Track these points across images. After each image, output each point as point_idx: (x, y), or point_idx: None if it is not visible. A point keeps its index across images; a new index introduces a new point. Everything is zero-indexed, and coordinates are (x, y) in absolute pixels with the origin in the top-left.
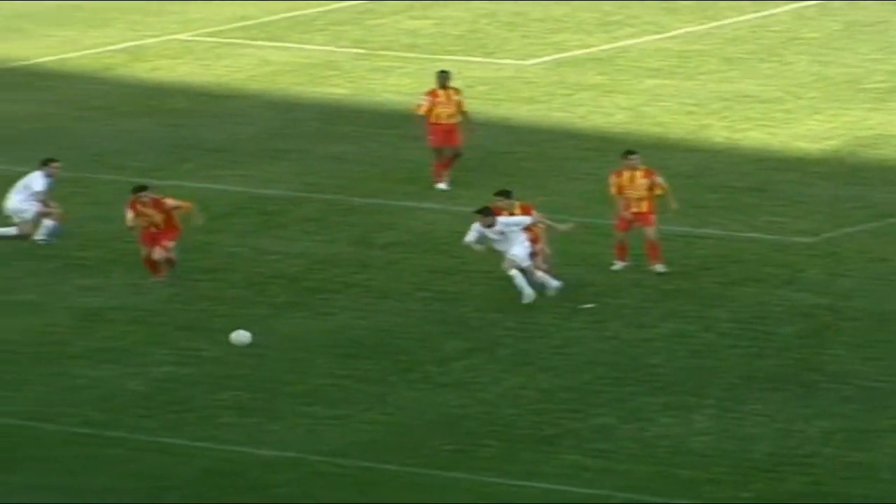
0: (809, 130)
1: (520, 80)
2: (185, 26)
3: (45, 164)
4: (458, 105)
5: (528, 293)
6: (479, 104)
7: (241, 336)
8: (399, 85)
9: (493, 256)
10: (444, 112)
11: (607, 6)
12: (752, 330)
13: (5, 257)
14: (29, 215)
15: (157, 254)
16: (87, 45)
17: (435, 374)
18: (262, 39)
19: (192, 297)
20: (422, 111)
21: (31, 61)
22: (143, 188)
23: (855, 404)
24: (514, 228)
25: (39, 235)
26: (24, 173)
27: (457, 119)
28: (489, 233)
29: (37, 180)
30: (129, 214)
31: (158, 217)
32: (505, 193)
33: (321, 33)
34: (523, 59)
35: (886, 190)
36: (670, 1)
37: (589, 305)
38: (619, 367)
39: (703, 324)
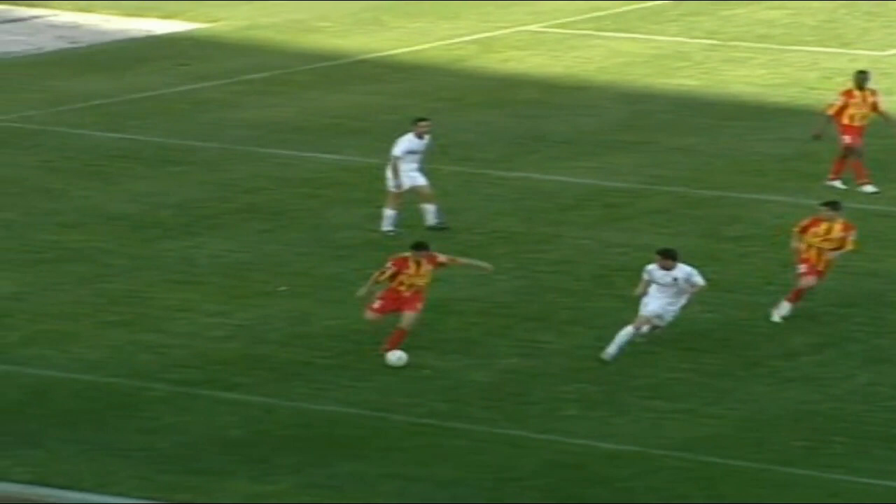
0: None
1: (877, 70)
2: (536, 17)
3: (414, 123)
4: (874, 106)
5: (612, 353)
6: (834, 96)
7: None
8: (751, 76)
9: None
10: (857, 113)
11: None
12: None
13: (351, 248)
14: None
15: (406, 322)
16: (439, 37)
17: (783, 369)
18: (613, 30)
19: (538, 289)
20: (831, 111)
21: (386, 53)
22: (423, 246)
23: None
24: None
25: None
26: (375, 165)
27: (868, 120)
28: (660, 277)
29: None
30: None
31: (422, 280)
32: (833, 205)
33: (673, 24)
34: (882, 50)
35: None
36: None
37: None
38: None
39: None
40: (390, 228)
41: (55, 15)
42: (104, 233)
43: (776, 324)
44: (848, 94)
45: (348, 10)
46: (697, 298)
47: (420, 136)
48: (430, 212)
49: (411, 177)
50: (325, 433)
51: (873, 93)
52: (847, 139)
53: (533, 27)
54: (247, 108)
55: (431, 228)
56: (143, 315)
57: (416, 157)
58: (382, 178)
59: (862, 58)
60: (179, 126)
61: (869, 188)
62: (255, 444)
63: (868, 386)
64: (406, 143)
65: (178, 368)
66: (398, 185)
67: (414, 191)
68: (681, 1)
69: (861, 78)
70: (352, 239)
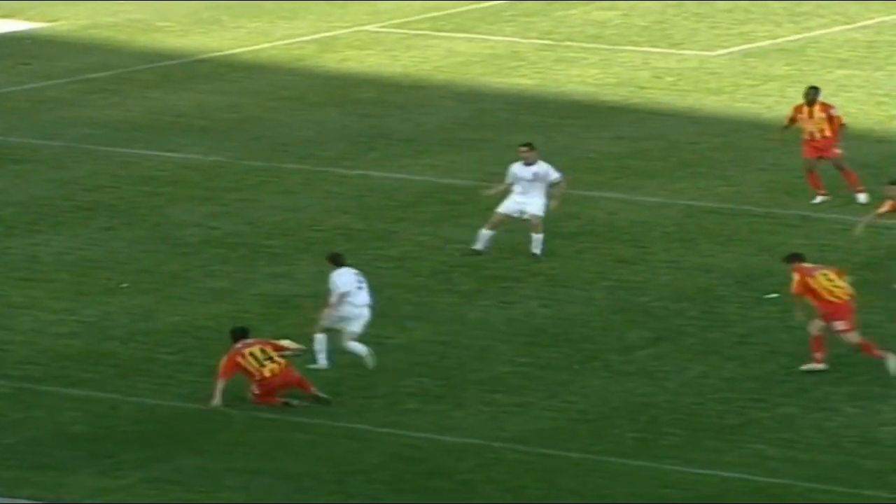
0: None
1: (705, 70)
2: (374, 17)
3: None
4: (830, 120)
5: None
6: (665, 95)
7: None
8: (584, 75)
9: (678, 245)
10: (812, 129)
11: None
12: None
13: (195, 245)
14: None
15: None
16: (278, 37)
17: (618, 363)
18: (450, 30)
19: (378, 285)
20: (784, 124)
21: (226, 52)
22: (243, 332)
23: None
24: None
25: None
26: (216, 163)
27: (828, 133)
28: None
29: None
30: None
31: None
32: (792, 258)
33: (509, 24)
34: (710, 51)
35: None
36: None
37: (773, 295)
38: (802, 357)
39: (888, 314)
40: (479, 248)
41: None
42: None
43: (612, 318)
44: (797, 109)
45: (188, 9)
46: (535, 294)
47: (527, 164)
48: (535, 240)
49: (518, 203)
50: (169, 428)
51: (825, 107)
52: (806, 153)
53: (371, 27)
54: (89, 106)
55: (533, 256)
56: None
57: (525, 184)
58: (224, 176)
59: (691, 58)
60: (22, 124)
61: (861, 197)
62: (100, 440)
63: (700, 378)
64: (515, 169)
65: (21, 365)
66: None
67: (521, 218)
68: (516, 2)
69: (810, 94)
70: (193, 236)
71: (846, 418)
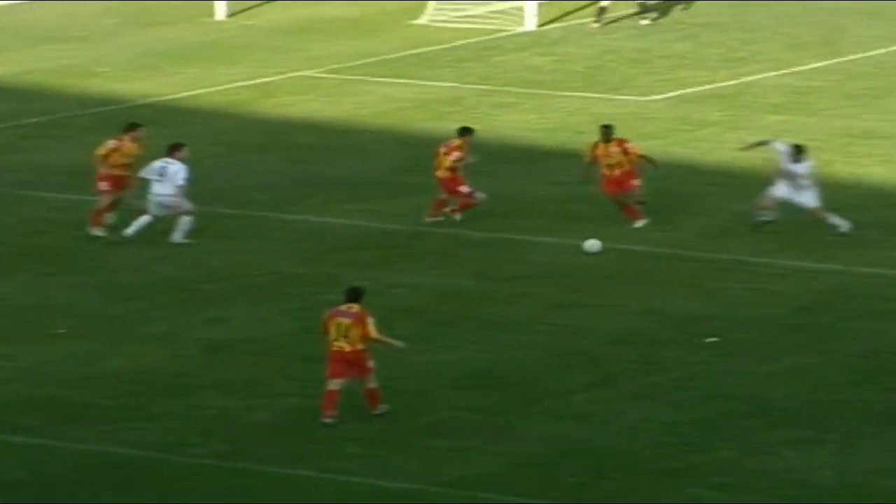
0: None
1: (641, 116)
2: (312, 63)
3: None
4: (626, 152)
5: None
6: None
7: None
8: (522, 120)
9: (616, 289)
10: (610, 162)
11: (732, 42)
12: (873, 364)
13: (135, 289)
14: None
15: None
16: (216, 82)
17: (557, 407)
18: (388, 76)
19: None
20: (586, 159)
21: (165, 97)
22: (355, 294)
23: None
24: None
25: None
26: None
27: (625, 168)
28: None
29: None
30: None
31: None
32: None
33: (446, 69)
34: (645, 96)
35: None
36: (794, 38)
37: (712, 339)
38: (741, 401)
39: (824, 358)
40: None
41: None
42: None
43: (551, 363)
44: (594, 146)
45: (126, 55)
46: (474, 338)
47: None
48: (833, 220)
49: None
50: (108, 474)
51: (621, 142)
52: (605, 188)
53: (309, 72)
54: (25, 151)
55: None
56: None
57: (796, 180)
58: (163, 221)
59: (628, 103)
60: None
61: (639, 223)
62: (39, 486)
63: (639, 423)
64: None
65: None
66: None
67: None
68: (453, 48)
69: (605, 132)
70: (134, 280)
71: (784, 462)
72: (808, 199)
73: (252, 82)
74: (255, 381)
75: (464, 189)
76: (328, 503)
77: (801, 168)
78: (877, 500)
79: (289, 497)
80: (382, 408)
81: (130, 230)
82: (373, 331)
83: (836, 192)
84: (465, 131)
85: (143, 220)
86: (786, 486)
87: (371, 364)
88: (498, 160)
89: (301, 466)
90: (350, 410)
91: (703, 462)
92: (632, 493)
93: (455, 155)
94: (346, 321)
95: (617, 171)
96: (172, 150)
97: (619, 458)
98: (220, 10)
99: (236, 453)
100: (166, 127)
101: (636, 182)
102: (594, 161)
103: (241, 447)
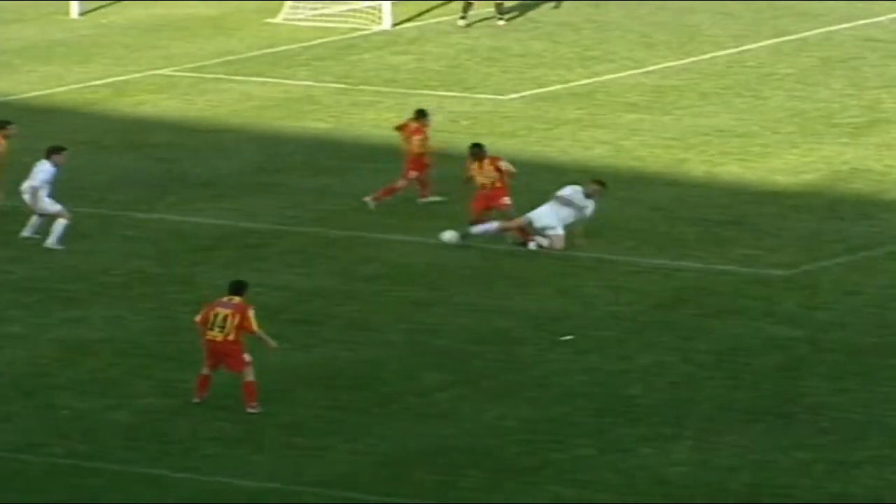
0: (786, 164)
1: (499, 114)
2: (168, 62)
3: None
4: (497, 169)
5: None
6: (459, 138)
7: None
8: (379, 119)
9: (476, 288)
10: (483, 182)
11: (586, 41)
12: (729, 362)
13: None
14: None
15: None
16: (71, 81)
17: (417, 406)
18: (245, 74)
19: (176, 329)
20: (468, 174)
21: (19, 96)
22: (237, 288)
23: (831, 436)
24: None
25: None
26: (13, 207)
27: (498, 185)
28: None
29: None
30: None
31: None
32: None
33: (303, 68)
34: (502, 94)
35: (861, 223)
36: (648, 37)
37: (568, 337)
38: (598, 399)
39: (681, 355)
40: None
41: None
42: None
43: (411, 361)
44: (469, 164)
45: None
46: (334, 337)
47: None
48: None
49: None
50: None
51: (493, 160)
52: (477, 204)
53: (165, 71)
54: None
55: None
56: None
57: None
58: (19, 220)
59: (485, 102)
60: None
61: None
62: None
63: (498, 420)
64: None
65: None
66: None
67: None
68: (310, 46)
69: (476, 151)
70: None
71: (640, 459)
72: (555, 220)
73: (108, 80)
74: (112, 381)
75: (413, 174)
76: (187, 503)
77: (567, 191)
78: (731, 496)
79: (147, 497)
80: (255, 407)
81: (26, 232)
82: (253, 323)
83: (691, 190)
84: (420, 114)
85: (35, 220)
86: (640, 483)
87: (247, 357)
88: (356, 158)
89: (160, 466)
90: (209, 410)
91: (562, 460)
92: (491, 491)
93: (417, 138)
94: (223, 311)
95: (489, 188)
96: (49, 153)
97: (479, 457)
98: (75, 8)
99: (94, 453)
100: (21, 126)
101: (507, 200)
102: (470, 179)
103: (98, 447)
